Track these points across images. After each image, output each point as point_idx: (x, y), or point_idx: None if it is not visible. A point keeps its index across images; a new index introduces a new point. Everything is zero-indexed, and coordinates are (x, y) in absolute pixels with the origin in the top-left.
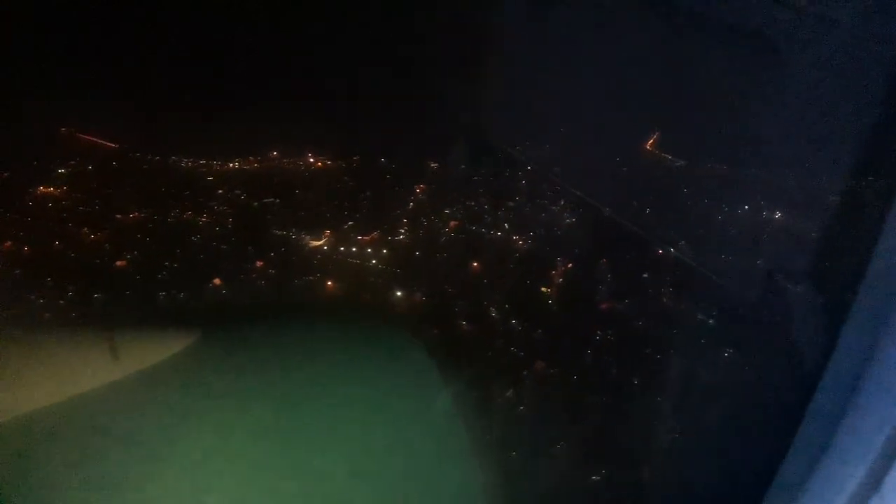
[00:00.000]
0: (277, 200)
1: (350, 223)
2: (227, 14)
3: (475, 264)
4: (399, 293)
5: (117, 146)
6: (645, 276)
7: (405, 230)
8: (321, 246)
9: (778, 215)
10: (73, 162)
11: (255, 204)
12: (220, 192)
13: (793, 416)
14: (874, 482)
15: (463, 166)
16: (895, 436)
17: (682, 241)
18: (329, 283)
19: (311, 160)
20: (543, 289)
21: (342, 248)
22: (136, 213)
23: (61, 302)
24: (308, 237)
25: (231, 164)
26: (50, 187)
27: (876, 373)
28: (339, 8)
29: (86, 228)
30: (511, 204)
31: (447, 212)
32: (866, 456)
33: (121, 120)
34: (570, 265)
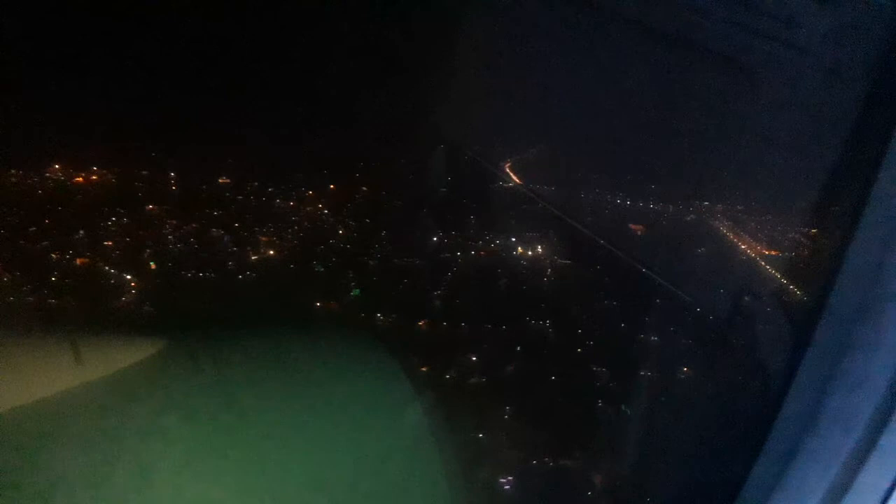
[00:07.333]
0: None
1: None
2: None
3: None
4: None
5: None
6: None
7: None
8: None
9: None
10: None
11: None
12: None
13: (761, 422)
14: (845, 484)
15: (256, 184)
16: (864, 437)
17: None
18: None
19: (74, 175)
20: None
21: None
22: None
23: None
24: None
25: None
26: None
27: (844, 378)
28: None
29: None
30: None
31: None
32: (836, 459)
33: None
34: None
